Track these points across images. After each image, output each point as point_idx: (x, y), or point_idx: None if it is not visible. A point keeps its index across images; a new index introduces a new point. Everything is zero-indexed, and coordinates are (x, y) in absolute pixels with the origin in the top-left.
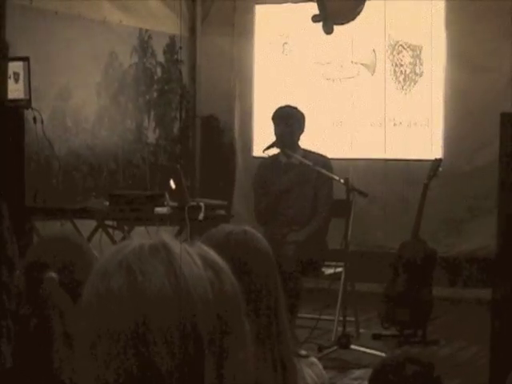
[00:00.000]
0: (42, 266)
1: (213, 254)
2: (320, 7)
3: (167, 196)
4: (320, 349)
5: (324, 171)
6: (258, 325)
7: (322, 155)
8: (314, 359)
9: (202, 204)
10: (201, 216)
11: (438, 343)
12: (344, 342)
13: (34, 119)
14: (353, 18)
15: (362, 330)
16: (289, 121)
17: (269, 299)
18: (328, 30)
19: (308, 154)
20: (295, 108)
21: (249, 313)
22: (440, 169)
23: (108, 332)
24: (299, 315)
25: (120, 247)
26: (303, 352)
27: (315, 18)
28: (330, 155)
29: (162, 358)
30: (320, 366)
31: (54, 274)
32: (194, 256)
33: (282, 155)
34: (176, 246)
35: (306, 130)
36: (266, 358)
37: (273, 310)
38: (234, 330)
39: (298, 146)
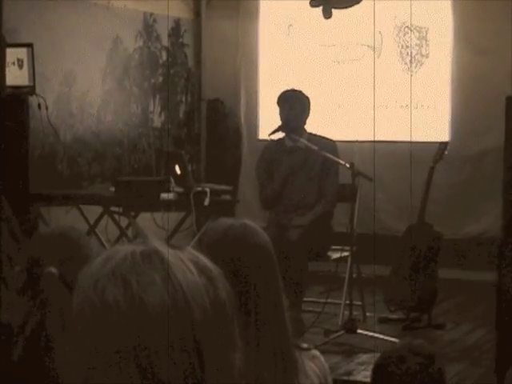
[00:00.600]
0: (41, 262)
1: (204, 260)
2: None
3: (173, 182)
4: (326, 333)
5: (330, 155)
6: (258, 319)
7: (327, 139)
8: (315, 352)
9: (207, 189)
10: (206, 201)
11: (444, 327)
12: (350, 326)
13: (39, 105)
14: (354, 3)
15: (368, 314)
16: (294, 105)
17: (269, 294)
18: (327, 15)
19: (313, 137)
20: (300, 92)
21: (249, 308)
22: (446, 152)
23: (107, 344)
24: (306, 299)
25: (109, 254)
26: (304, 345)
27: (313, 3)
28: (335, 137)
29: (165, 369)
30: (322, 359)
31: (53, 269)
32: (187, 262)
33: (287, 139)
34: (168, 252)
35: (311, 112)
36: (266, 352)
37: (273, 304)
38: (226, 336)
39: (304, 130)
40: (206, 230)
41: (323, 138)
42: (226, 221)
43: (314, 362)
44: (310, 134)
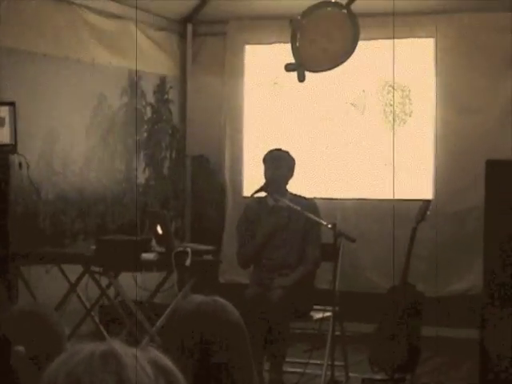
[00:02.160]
0: (10, 340)
1: (164, 360)
2: (295, 55)
3: (154, 241)
4: None
5: (312, 216)
6: None
7: (309, 199)
8: None
9: (188, 249)
10: (188, 262)
11: None
12: None
13: (20, 164)
14: (328, 69)
15: (351, 374)
16: (280, 164)
17: (240, 371)
18: (301, 78)
19: (295, 198)
20: (286, 152)
21: None
22: (428, 212)
23: None
24: (288, 359)
25: (70, 355)
26: None
27: (289, 67)
28: (318, 195)
29: None
30: None
31: (21, 348)
32: (145, 364)
33: (269, 198)
34: (127, 353)
35: (295, 168)
36: None
37: (244, 380)
38: None
39: (286, 190)
40: (176, 307)
41: (305, 198)
42: (197, 297)
43: None
44: (292, 194)
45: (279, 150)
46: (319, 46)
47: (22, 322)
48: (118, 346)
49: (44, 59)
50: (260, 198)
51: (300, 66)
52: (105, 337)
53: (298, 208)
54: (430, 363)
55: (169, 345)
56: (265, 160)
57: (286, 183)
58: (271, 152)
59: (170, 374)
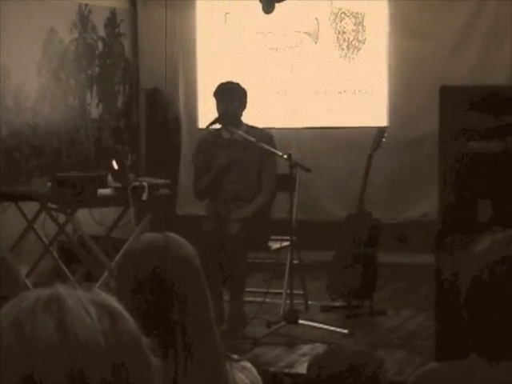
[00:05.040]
0: None
1: (110, 300)
2: None
3: (110, 177)
4: (269, 325)
5: (267, 147)
6: (185, 332)
7: (264, 130)
8: (246, 363)
9: (145, 184)
10: (144, 196)
11: (385, 313)
12: (291, 317)
13: None
14: None
15: (310, 302)
16: (231, 97)
17: (194, 305)
18: (269, 10)
19: (251, 129)
20: (237, 84)
21: (175, 321)
22: (384, 140)
23: None
24: (248, 289)
25: (17, 301)
26: (235, 356)
27: None
28: (274, 125)
29: None
30: (254, 370)
31: None
32: (88, 306)
33: (224, 131)
34: (71, 296)
35: (250, 100)
36: (195, 364)
37: (200, 315)
38: (136, 375)
39: (241, 122)
40: (129, 247)
41: (260, 129)
42: (148, 236)
43: (244, 374)
44: (247, 125)
45: (229, 82)
46: None
47: None
48: (63, 289)
49: None
50: (215, 131)
51: None
52: (65, 273)
53: (253, 139)
54: (387, 289)
55: (122, 283)
56: (216, 94)
57: (240, 115)
58: (221, 85)
59: (116, 314)
